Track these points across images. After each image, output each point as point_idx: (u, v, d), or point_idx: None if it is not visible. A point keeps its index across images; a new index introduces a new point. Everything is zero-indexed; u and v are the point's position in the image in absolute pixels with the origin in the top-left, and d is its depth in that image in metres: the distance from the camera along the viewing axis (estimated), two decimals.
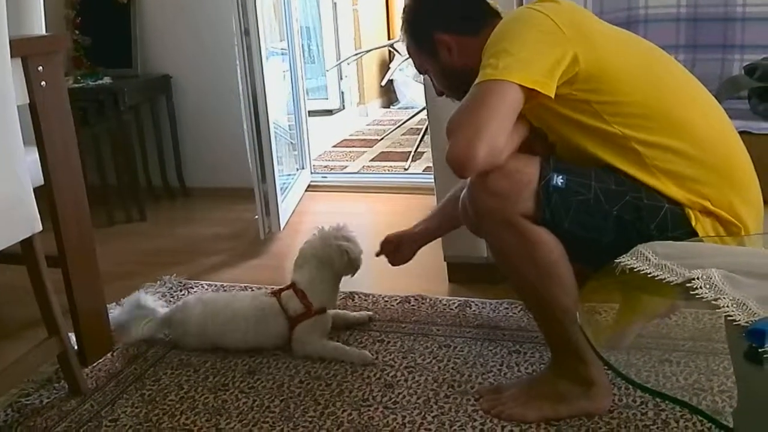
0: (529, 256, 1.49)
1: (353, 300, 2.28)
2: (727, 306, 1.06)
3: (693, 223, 1.46)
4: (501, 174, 1.45)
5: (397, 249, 2.04)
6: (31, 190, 1.67)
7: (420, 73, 1.78)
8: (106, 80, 3.36)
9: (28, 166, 1.65)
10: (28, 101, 1.75)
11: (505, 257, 1.54)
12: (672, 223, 1.45)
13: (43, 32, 2.20)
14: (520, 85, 1.38)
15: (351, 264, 2.01)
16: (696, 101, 1.54)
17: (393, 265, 2.07)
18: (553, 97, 1.41)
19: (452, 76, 1.64)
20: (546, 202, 1.45)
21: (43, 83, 1.77)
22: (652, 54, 1.56)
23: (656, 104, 1.47)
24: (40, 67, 1.76)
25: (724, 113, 1.56)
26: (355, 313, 2.13)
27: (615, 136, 1.46)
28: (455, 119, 1.43)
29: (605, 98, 1.45)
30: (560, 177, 1.46)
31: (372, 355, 1.93)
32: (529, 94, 1.39)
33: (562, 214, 1.45)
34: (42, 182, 1.83)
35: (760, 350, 0.96)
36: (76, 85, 3.28)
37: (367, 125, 5.58)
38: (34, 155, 1.79)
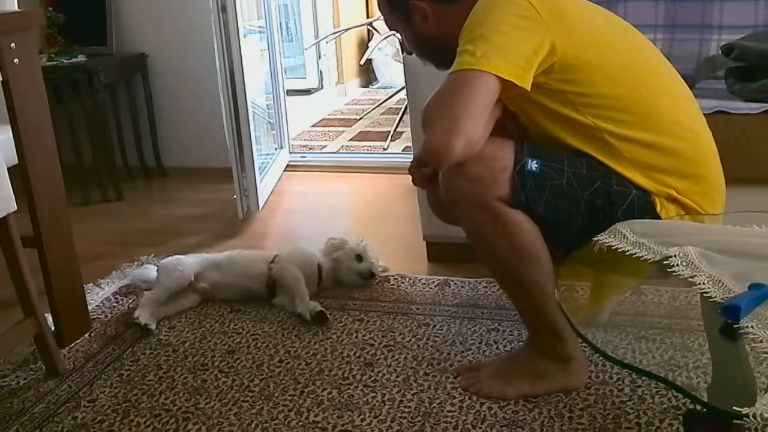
0: (505, 237, 1.49)
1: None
2: (704, 283, 1.08)
3: (658, 210, 1.48)
4: (476, 159, 1.43)
5: None
6: (5, 169, 1.64)
7: (389, 29, 1.74)
8: (81, 58, 3.31)
9: (2, 145, 1.63)
10: (0, 79, 1.72)
11: (480, 240, 1.54)
12: (638, 209, 1.47)
13: (16, 8, 2.16)
14: (497, 76, 1.36)
15: None
16: (669, 90, 1.54)
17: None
18: (529, 89, 1.40)
19: (425, 42, 1.62)
20: (521, 187, 1.45)
21: (16, 60, 1.74)
22: (628, 38, 1.56)
23: (630, 96, 1.47)
24: (13, 44, 1.72)
25: (694, 100, 1.57)
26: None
27: (587, 127, 1.47)
28: (431, 110, 1.42)
29: (580, 89, 1.45)
30: (534, 162, 1.46)
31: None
32: (506, 84, 1.38)
33: (537, 199, 1.46)
34: (16, 161, 1.80)
35: (735, 326, 0.98)
36: (50, 63, 3.22)
37: (346, 105, 5.55)
38: (8, 134, 1.77)
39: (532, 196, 1.46)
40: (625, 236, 1.25)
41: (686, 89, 1.57)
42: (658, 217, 1.47)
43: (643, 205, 1.48)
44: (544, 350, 1.61)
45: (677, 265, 1.13)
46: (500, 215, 1.47)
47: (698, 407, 1.41)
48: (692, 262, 1.12)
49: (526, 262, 1.50)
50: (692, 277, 1.10)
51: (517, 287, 1.58)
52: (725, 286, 1.07)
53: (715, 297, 1.05)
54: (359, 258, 2.23)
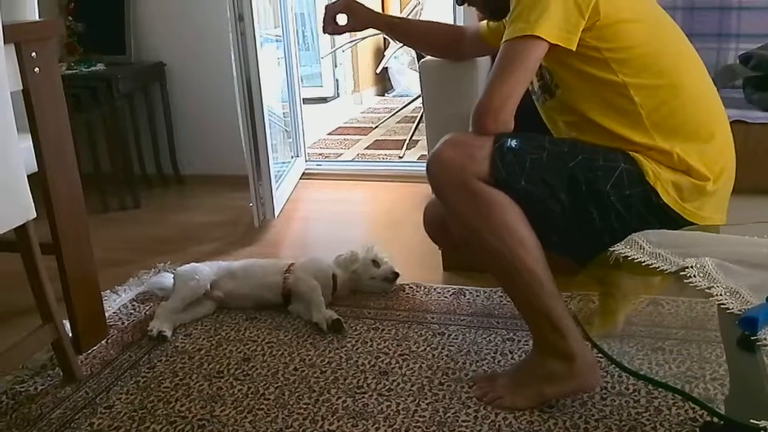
0: (486, 217, 1.50)
1: None
2: (721, 294, 1.07)
3: (652, 182, 1.48)
4: (454, 143, 1.51)
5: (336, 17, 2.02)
6: (25, 177, 1.66)
7: None
8: (100, 67, 3.35)
9: (22, 152, 1.64)
10: (21, 88, 1.74)
11: (465, 226, 1.55)
12: (628, 181, 1.48)
13: (37, 18, 2.18)
14: (548, 41, 1.44)
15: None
16: (696, 63, 1.59)
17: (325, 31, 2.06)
18: (574, 50, 1.46)
19: None
20: (501, 162, 1.48)
21: (36, 69, 1.76)
22: (658, 10, 1.60)
23: (660, 56, 1.52)
24: (34, 54, 1.75)
25: (712, 83, 1.61)
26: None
27: (616, 85, 1.50)
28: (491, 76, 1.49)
29: (614, 44, 1.49)
30: (514, 140, 1.50)
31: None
32: (553, 47, 1.45)
33: (518, 172, 1.48)
34: (36, 169, 1.82)
35: (752, 338, 0.97)
36: (70, 72, 3.26)
37: (362, 113, 5.57)
38: (28, 142, 1.78)
39: (512, 170, 1.48)
40: (641, 247, 1.25)
41: (704, 68, 1.60)
42: (653, 189, 1.47)
43: (633, 178, 1.49)
44: (548, 350, 1.57)
45: (694, 276, 1.13)
46: (480, 193, 1.49)
47: (715, 419, 1.40)
48: (709, 273, 1.12)
49: (511, 243, 1.50)
50: (709, 288, 1.09)
51: (508, 273, 1.55)
52: (742, 297, 1.06)
53: (733, 308, 1.05)
54: (376, 264, 2.24)
